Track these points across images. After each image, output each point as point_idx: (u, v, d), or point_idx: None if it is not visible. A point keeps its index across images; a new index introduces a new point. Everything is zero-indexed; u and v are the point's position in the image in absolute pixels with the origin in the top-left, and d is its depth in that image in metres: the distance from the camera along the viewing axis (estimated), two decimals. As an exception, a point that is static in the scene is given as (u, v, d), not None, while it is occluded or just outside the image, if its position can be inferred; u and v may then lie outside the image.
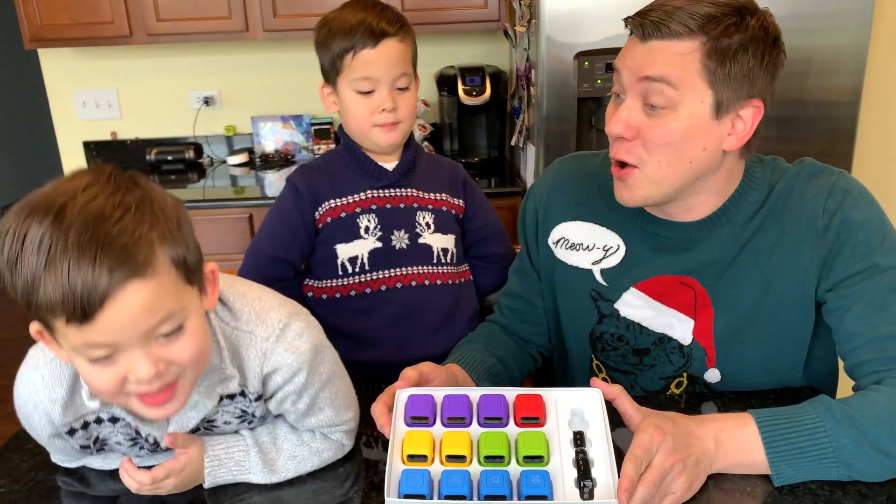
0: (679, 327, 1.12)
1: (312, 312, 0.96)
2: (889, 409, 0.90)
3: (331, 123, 2.93)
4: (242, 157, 2.93)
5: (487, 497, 0.80)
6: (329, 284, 1.35)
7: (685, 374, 1.14)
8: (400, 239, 1.35)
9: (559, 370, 1.32)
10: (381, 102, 1.28)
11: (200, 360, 0.80)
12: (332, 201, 1.33)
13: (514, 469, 0.84)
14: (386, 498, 0.80)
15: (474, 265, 1.47)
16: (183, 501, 0.91)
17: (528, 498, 0.80)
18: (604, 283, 1.16)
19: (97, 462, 0.96)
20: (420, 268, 1.36)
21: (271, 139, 2.98)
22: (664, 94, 0.98)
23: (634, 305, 1.13)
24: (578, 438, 0.87)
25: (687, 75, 0.96)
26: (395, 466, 0.84)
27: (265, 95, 2.97)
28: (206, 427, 0.92)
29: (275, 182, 2.71)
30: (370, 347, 1.33)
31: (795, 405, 0.93)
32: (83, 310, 0.67)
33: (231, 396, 0.90)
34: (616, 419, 0.90)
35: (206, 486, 0.91)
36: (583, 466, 0.84)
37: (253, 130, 2.98)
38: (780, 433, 0.89)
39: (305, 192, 1.33)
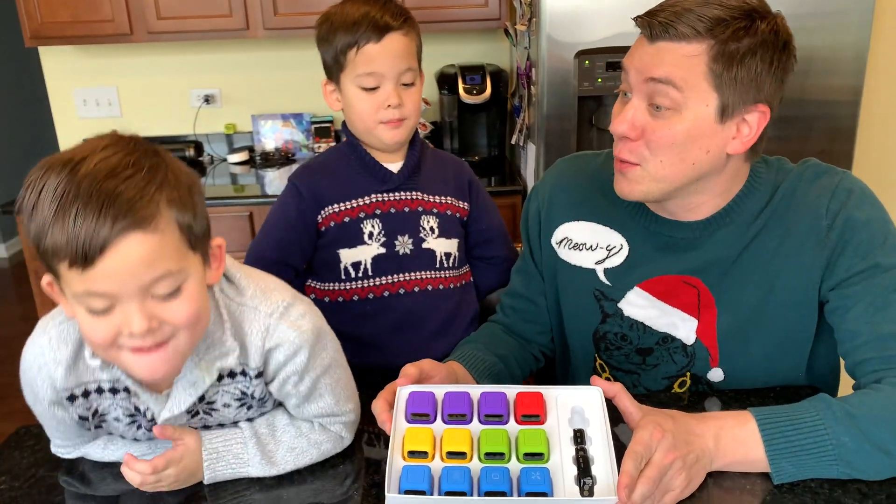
0: (682, 327, 1.12)
1: None
2: (889, 407, 0.90)
3: (331, 122, 2.93)
4: (243, 156, 2.93)
5: (487, 493, 0.80)
6: (331, 287, 1.34)
7: (688, 374, 1.14)
8: (404, 244, 1.33)
9: (561, 370, 1.32)
10: (387, 98, 1.25)
11: (195, 325, 0.81)
12: (335, 206, 1.31)
13: (514, 466, 0.84)
14: (386, 494, 0.80)
15: (476, 266, 1.47)
16: (183, 498, 0.91)
17: (528, 495, 0.80)
18: (607, 283, 1.16)
19: (96, 451, 0.97)
20: (423, 273, 1.35)
21: (272, 137, 2.98)
22: (669, 96, 0.98)
23: (638, 305, 1.14)
24: (579, 436, 0.87)
25: (693, 78, 0.96)
26: (395, 462, 0.84)
27: (265, 93, 2.97)
28: (205, 410, 0.92)
29: (275, 180, 2.71)
30: (371, 352, 1.32)
31: (795, 403, 0.93)
32: (84, 254, 0.71)
33: (232, 375, 0.90)
34: (616, 417, 0.90)
35: (205, 481, 0.91)
36: (583, 464, 0.84)
37: (253, 129, 2.98)
38: (779, 431, 0.89)
39: (308, 195, 1.31)
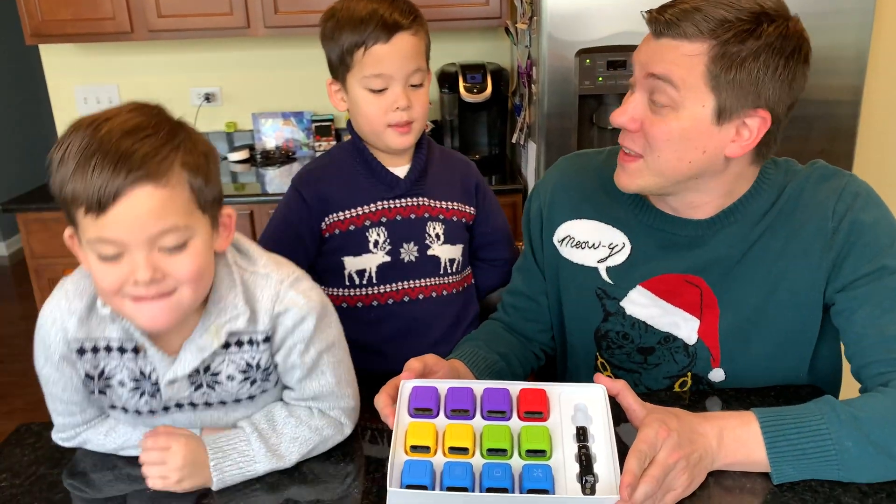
0: (684, 326, 1.12)
1: None
2: (895, 410, 0.90)
3: (332, 120, 2.93)
4: (243, 154, 2.93)
5: (489, 490, 0.80)
6: (335, 293, 1.33)
7: (689, 374, 1.14)
8: (409, 252, 1.31)
9: (562, 368, 1.32)
10: (395, 100, 1.21)
11: (198, 281, 0.85)
12: (340, 213, 1.28)
13: (516, 462, 0.84)
14: (388, 488, 0.80)
15: (478, 266, 1.46)
16: (191, 498, 0.90)
17: (530, 492, 0.80)
18: (609, 281, 1.16)
19: (98, 438, 0.97)
20: (427, 280, 1.34)
21: (272, 136, 2.98)
22: (667, 94, 0.98)
23: (641, 304, 1.14)
24: (581, 434, 0.87)
25: (690, 78, 0.96)
26: (397, 457, 0.84)
27: (266, 92, 2.97)
28: (208, 383, 0.94)
29: (275, 179, 2.71)
30: (375, 358, 1.30)
31: (800, 405, 0.92)
32: (99, 201, 0.77)
33: (239, 344, 0.93)
34: (619, 415, 0.90)
35: (214, 487, 0.91)
36: (585, 462, 0.84)
37: (254, 127, 2.98)
38: (782, 434, 0.89)
39: (312, 201, 1.28)
